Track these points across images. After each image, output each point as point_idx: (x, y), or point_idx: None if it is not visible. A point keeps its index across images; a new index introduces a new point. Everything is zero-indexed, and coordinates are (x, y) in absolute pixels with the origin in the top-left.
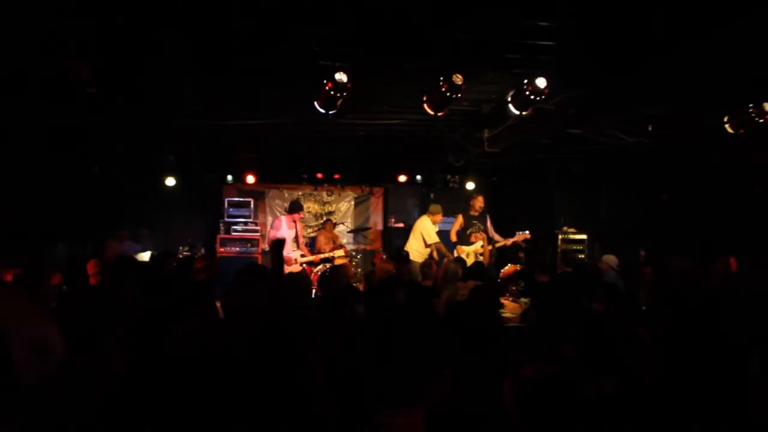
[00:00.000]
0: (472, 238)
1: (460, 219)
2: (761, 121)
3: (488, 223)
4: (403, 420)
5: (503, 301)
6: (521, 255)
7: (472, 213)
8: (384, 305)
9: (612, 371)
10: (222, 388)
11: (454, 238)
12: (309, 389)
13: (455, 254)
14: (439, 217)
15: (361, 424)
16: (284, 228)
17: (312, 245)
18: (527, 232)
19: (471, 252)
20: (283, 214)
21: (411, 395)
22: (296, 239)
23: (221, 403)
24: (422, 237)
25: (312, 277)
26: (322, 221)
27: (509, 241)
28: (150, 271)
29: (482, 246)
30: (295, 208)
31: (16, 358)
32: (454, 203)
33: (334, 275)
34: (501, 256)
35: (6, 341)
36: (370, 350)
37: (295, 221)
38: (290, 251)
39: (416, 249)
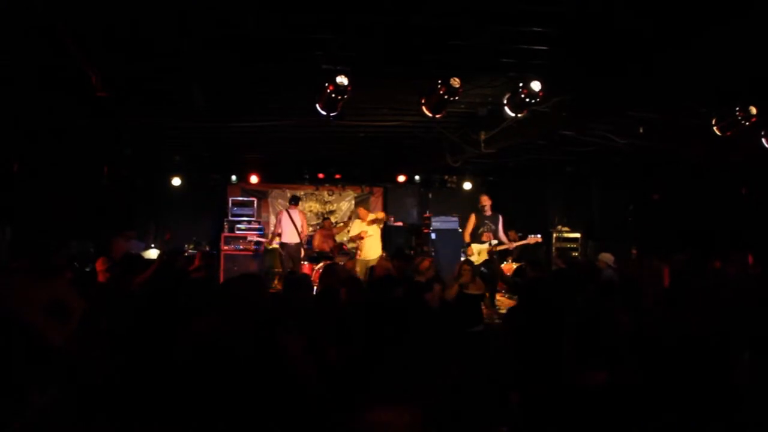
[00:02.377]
0: (484, 237)
1: (473, 218)
2: (747, 123)
3: (500, 224)
4: (396, 417)
5: (499, 296)
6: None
7: (485, 213)
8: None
9: (604, 364)
10: (215, 386)
11: (467, 238)
12: (302, 384)
13: (467, 254)
14: (362, 214)
15: (351, 421)
16: (285, 219)
17: (310, 243)
18: (539, 236)
19: (482, 250)
20: (289, 208)
21: (405, 392)
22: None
23: (214, 401)
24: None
25: (313, 275)
26: (322, 219)
27: (512, 245)
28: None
29: (493, 245)
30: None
31: (36, 323)
32: (451, 202)
33: (329, 272)
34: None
35: (16, 313)
36: (362, 344)
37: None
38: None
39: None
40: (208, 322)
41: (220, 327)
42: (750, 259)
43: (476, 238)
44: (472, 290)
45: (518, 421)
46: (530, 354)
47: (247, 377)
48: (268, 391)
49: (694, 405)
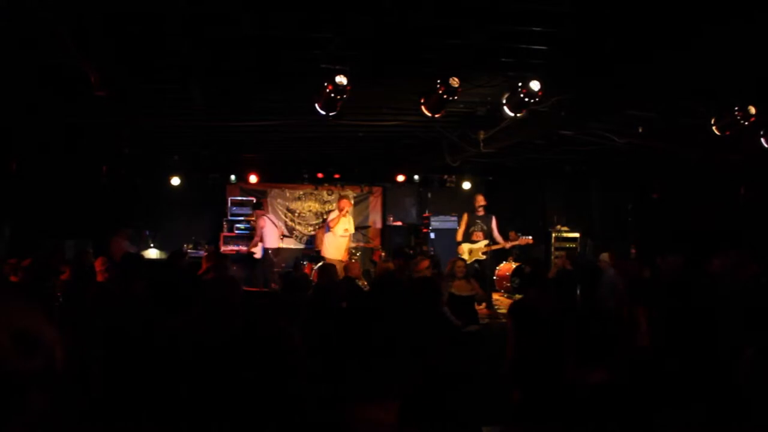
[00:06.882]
0: (474, 236)
1: (465, 218)
2: (746, 123)
3: (493, 224)
4: (380, 413)
5: (497, 296)
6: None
7: (478, 213)
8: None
9: (603, 362)
10: (207, 379)
11: (459, 238)
12: (295, 382)
13: (458, 253)
14: (344, 204)
15: (337, 416)
16: (268, 225)
17: (311, 243)
18: (530, 237)
19: (474, 249)
20: (266, 215)
21: (388, 388)
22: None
23: (206, 395)
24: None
25: (312, 274)
26: (321, 220)
27: (508, 245)
28: (161, 269)
29: (485, 245)
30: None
31: None
32: (450, 202)
33: (324, 272)
34: (500, 254)
35: None
36: (349, 343)
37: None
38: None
39: (328, 245)
40: (184, 321)
41: (198, 326)
42: (745, 258)
43: (467, 237)
44: (463, 292)
45: (519, 418)
46: (532, 351)
47: (240, 374)
48: (266, 387)
49: (695, 402)
